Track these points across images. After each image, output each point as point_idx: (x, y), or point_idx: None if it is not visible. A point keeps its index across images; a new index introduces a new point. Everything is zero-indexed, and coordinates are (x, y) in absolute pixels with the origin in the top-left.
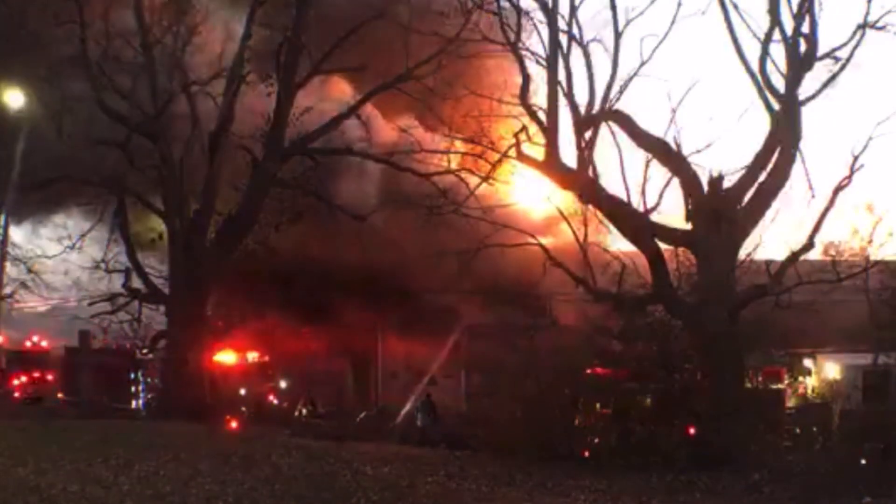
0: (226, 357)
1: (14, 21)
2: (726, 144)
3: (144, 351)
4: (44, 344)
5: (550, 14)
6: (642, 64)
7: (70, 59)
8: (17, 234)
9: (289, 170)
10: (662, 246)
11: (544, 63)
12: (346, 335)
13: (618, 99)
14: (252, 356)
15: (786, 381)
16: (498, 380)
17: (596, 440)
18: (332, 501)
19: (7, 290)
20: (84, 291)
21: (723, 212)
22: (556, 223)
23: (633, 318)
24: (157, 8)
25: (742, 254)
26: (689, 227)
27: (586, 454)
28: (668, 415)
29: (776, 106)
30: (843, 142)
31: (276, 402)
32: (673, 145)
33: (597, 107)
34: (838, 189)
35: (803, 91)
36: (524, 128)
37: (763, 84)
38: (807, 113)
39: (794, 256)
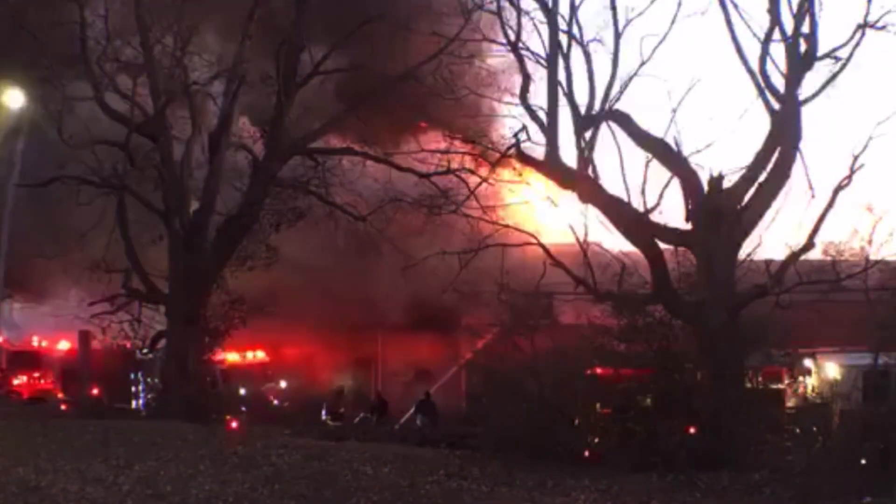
0: (225, 357)
1: (14, 21)
2: (726, 144)
3: (144, 351)
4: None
5: (550, 14)
6: (642, 64)
7: (70, 59)
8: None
9: (289, 170)
10: (662, 246)
11: (544, 63)
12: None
13: (618, 99)
14: (252, 356)
15: (786, 381)
16: (498, 379)
17: (596, 440)
18: (332, 501)
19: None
20: (84, 291)
21: (723, 212)
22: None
23: (633, 317)
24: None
25: (742, 254)
26: (689, 227)
27: (586, 454)
28: (668, 415)
29: (776, 106)
30: (843, 142)
31: (276, 402)
32: (673, 145)
33: (597, 107)
34: (838, 189)
35: (803, 91)
36: (524, 128)
37: (763, 84)
38: (807, 113)
39: (794, 256)
